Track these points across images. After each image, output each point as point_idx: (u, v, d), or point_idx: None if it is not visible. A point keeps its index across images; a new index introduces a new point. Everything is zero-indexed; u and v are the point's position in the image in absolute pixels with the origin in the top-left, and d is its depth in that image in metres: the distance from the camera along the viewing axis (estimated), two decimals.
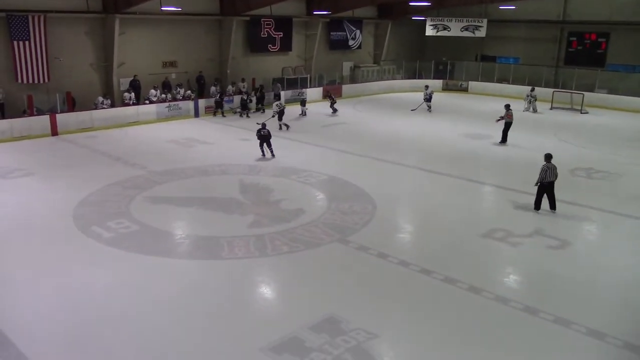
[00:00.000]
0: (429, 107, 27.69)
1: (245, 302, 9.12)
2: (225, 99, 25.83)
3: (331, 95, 27.56)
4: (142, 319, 8.40)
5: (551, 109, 28.84)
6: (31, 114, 20.65)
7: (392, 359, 7.57)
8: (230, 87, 26.81)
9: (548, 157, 13.28)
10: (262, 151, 17.91)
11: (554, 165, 13.20)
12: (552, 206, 13.33)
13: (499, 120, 20.65)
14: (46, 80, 21.64)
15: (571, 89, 30.29)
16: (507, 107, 20.48)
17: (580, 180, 16.25)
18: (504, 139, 20.45)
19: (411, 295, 9.36)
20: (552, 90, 30.13)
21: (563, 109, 28.69)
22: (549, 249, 11.27)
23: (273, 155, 17.86)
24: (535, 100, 28.16)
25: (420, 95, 28.50)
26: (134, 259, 10.46)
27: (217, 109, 25.28)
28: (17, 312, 8.53)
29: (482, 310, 8.90)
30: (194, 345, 7.75)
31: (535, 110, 27.88)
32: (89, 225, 11.96)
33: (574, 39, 33.33)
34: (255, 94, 26.63)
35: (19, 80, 21.06)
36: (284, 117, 22.54)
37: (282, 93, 28.33)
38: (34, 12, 20.82)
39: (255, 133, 18.09)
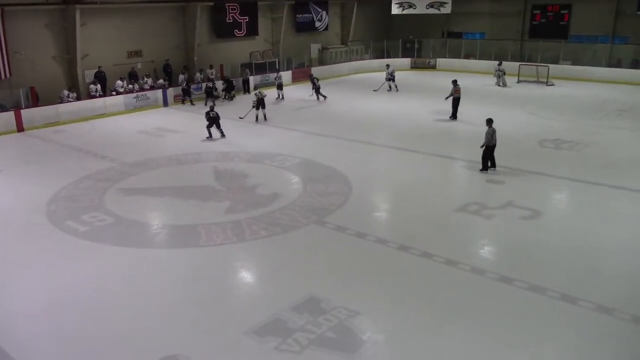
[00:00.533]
0: (395, 86, 27.80)
1: (226, 288, 9.17)
2: (193, 86, 25.54)
3: (314, 79, 25.97)
4: (125, 311, 8.38)
5: (518, 82, 29.25)
6: None
7: (375, 334, 7.72)
8: (198, 74, 26.49)
9: (489, 121, 14.39)
10: (209, 132, 18.40)
11: (494, 129, 14.29)
12: (493, 164, 14.48)
13: (447, 98, 20.90)
14: (7, 75, 21.06)
15: (537, 62, 30.74)
16: (455, 82, 20.90)
17: (549, 151, 16.61)
18: (454, 115, 20.79)
19: (390, 272, 9.52)
20: (519, 64, 30.50)
21: (529, 82, 29.12)
22: (521, 219, 11.54)
23: (223, 135, 18.50)
24: (504, 74, 28.54)
25: (383, 75, 28.52)
26: (112, 252, 10.39)
27: (185, 97, 24.98)
28: None
29: (459, 283, 9.11)
30: (178, 333, 7.78)
31: (505, 84, 28.25)
32: (64, 220, 11.82)
33: (538, 12, 33.69)
34: (222, 83, 26.22)
35: None
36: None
37: (251, 78, 28.13)
38: None
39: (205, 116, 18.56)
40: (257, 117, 21.01)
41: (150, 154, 16.91)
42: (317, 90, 25.41)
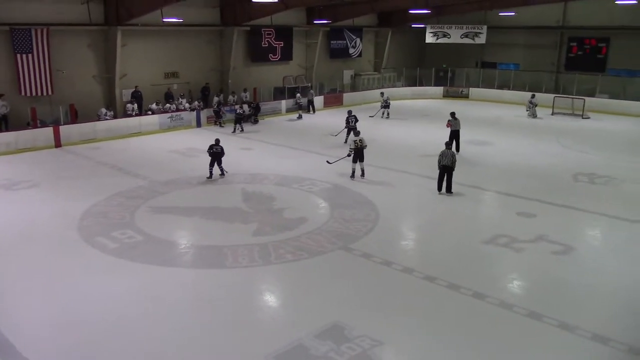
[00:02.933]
0: (387, 114, 27.91)
1: (250, 311, 9.14)
2: (226, 108, 25.91)
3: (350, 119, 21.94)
4: (148, 328, 8.44)
5: (552, 114, 28.91)
6: (35, 126, 20.77)
7: None
8: (230, 97, 26.90)
9: (447, 144, 15.52)
10: (210, 172, 16.43)
11: (452, 152, 15.02)
12: (448, 189, 15.03)
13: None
14: (49, 92, 21.78)
15: (572, 94, 30.36)
16: (453, 115, 20.35)
17: (583, 185, 16.28)
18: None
19: (416, 302, 9.38)
20: (553, 95, 30.23)
21: (564, 114, 28.75)
22: (553, 254, 11.28)
23: (223, 174, 16.55)
24: (536, 106, 28.27)
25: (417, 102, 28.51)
26: (139, 269, 10.50)
27: (216, 118, 25.33)
28: (24, 322, 8.57)
29: (486, 316, 8.91)
30: (200, 354, 7.78)
31: (534, 116, 27.96)
32: (94, 235, 12.02)
33: (574, 44, 33.43)
34: (249, 106, 26.23)
35: (23, 93, 21.18)
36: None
37: (284, 103, 28.59)
38: (37, 25, 20.97)
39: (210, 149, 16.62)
40: (353, 171, 16.65)
41: (181, 173, 17.16)
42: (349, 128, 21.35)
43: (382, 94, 28.94)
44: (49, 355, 7.76)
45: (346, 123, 21.20)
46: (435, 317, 8.88)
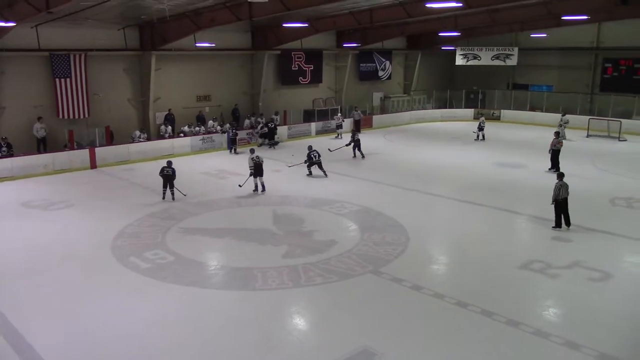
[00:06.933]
0: (483, 136, 27.66)
1: (278, 333, 9.10)
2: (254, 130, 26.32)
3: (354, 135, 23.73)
4: (178, 349, 8.45)
5: (587, 136, 28.36)
6: (72, 148, 21.34)
7: None
8: (246, 120, 27.00)
9: (559, 175, 14.02)
10: (164, 192, 16.67)
11: (566, 183, 13.71)
12: (567, 222, 13.81)
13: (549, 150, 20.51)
14: (86, 115, 22.39)
15: (607, 116, 29.77)
16: (557, 134, 20.72)
17: (621, 209, 15.85)
18: (555, 167, 19.95)
19: (447, 328, 9.19)
20: (588, 117, 29.67)
21: (600, 136, 28.18)
22: (589, 281, 10.96)
23: (173, 198, 16.66)
24: (567, 123, 27.64)
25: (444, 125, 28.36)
26: (170, 290, 10.58)
27: (232, 145, 24.67)
28: (57, 340, 8.69)
29: (521, 344, 8.66)
30: None
31: (563, 137, 27.34)
32: (127, 255, 12.19)
33: (609, 65, 32.85)
34: (264, 126, 26.32)
35: (61, 116, 21.84)
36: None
37: (314, 126, 28.84)
38: (76, 51, 21.69)
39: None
40: (255, 185, 17.57)
41: (211, 195, 17.33)
42: (354, 145, 23.13)
43: (480, 114, 28.77)
44: None
45: (308, 159, 19.94)
46: (467, 344, 8.67)
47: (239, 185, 17.77)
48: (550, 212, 14.46)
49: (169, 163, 16.98)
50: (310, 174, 19.80)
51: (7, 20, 16.74)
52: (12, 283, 10.89)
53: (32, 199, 16.94)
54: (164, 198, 16.71)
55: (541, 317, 9.62)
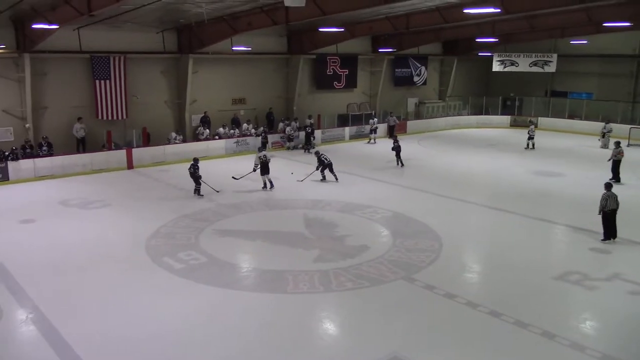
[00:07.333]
0: (533, 145, 26.87)
1: (308, 337, 9.09)
2: (293, 133, 26.45)
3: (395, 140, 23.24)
4: (207, 350, 8.52)
5: (628, 145, 27.47)
6: (109, 149, 21.84)
7: None
8: (281, 124, 27.04)
9: (608, 185, 13.54)
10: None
11: (614, 194, 13.24)
12: (614, 234, 13.32)
13: (609, 160, 20.05)
14: (124, 116, 22.87)
15: None
16: (617, 144, 20.01)
17: None
18: (616, 178, 19.27)
19: (480, 338, 9.03)
20: (629, 126, 28.84)
21: None
22: (629, 294, 10.62)
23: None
24: (610, 132, 26.99)
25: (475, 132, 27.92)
26: (203, 290, 10.69)
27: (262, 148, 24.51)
28: (92, 337, 8.86)
29: (556, 358, 8.45)
30: None
31: (606, 146, 26.67)
32: (161, 256, 12.37)
33: None
34: (297, 130, 26.50)
35: (100, 117, 22.36)
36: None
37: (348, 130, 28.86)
38: (115, 53, 22.19)
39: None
40: (264, 183, 18.49)
41: (244, 197, 17.46)
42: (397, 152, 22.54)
43: (530, 121, 28.38)
44: None
45: (320, 162, 19.75)
46: (500, 355, 8.51)
47: (234, 178, 19.08)
48: (589, 223, 14.12)
49: (193, 160, 17.79)
50: (323, 178, 19.65)
51: (50, 23, 17.27)
52: (50, 279, 11.17)
53: (71, 197, 17.37)
54: (194, 193, 17.55)
55: (577, 330, 9.36)
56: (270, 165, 18.59)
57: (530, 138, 26.94)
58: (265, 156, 18.52)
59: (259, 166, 18.55)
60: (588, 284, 11.07)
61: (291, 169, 20.86)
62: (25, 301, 10.14)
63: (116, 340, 8.77)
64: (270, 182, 18.40)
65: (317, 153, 20.29)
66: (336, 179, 19.60)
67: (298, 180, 19.51)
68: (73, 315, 9.63)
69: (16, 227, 14.51)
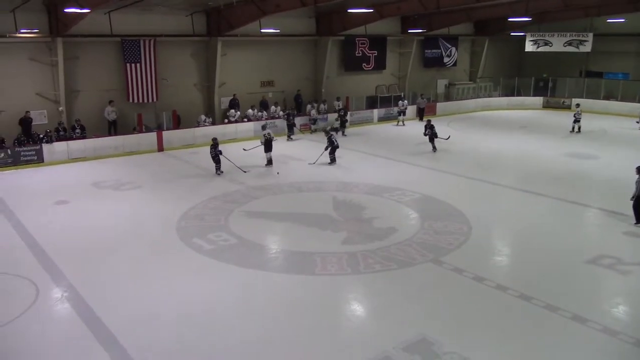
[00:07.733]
0: (579, 128, 25.99)
1: (337, 319, 9.15)
2: (319, 116, 26.32)
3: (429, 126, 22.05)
4: (236, 331, 8.64)
5: None
6: (140, 131, 22.16)
7: None
8: (309, 106, 26.82)
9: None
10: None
11: None
12: None
13: None
14: (154, 99, 23.12)
15: None
16: None
17: None
18: None
19: (509, 321, 8.97)
20: None
21: None
22: None
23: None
24: None
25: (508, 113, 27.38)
26: (233, 271, 10.84)
27: (289, 132, 24.64)
28: (124, 315, 9.09)
29: (586, 342, 8.35)
30: (284, 357, 7.87)
31: None
32: (191, 237, 12.56)
33: None
34: (339, 116, 26.12)
35: (131, 100, 22.65)
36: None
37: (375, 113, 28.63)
38: (146, 36, 22.38)
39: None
40: (268, 160, 19.29)
41: (273, 179, 17.57)
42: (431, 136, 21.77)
43: (577, 105, 27.36)
44: (146, 348, 8.15)
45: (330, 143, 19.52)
46: (530, 338, 8.43)
47: (244, 150, 19.62)
48: (622, 206, 13.80)
49: (213, 141, 18.48)
50: (333, 160, 19.45)
51: (82, 7, 17.48)
52: (83, 258, 11.45)
53: (103, 179, 17.73)
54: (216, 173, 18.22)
55: (609, 314, 9.21)
56: (292, 147, 18.61)
57: (577, 121, 26.04)
58: (269, 134, 19.27)
59: (263, 143, 19.24)
60: (621, 268, 10.86)
61: (318, 152, 20.65)
62: (61, 280, 10.43)
63: (147, 319, 8.97)
64: (270, 160, 19.23)
65: (327, 133, 20.13)
66: (331, 161, 19.44)
67: (309, 164, 19.43)
68: (105, 294, 9.87)
69: (51, 208, 14.90)
